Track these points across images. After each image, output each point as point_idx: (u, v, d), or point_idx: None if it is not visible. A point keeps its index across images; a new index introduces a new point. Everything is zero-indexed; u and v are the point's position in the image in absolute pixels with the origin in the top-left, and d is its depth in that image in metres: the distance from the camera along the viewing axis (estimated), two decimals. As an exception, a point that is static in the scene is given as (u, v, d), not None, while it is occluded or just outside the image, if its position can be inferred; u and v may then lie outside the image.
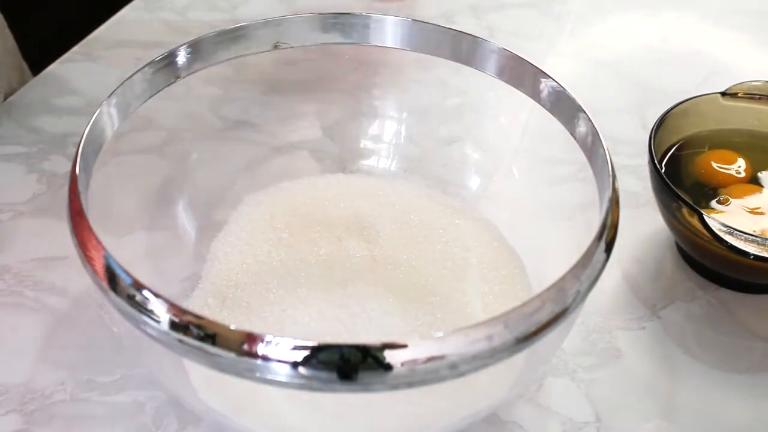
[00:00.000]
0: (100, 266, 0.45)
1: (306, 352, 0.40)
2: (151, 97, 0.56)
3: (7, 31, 0.80)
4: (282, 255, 0.60)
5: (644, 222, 0.71)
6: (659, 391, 0.59)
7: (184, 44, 0.58)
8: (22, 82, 0.83)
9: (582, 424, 0.57)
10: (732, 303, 0.65)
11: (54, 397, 0.56)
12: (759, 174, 0.68)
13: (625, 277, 0.67)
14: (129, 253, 0.53)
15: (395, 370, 0.40)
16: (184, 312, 0.42)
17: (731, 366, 0.61)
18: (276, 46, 0.61)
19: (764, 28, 0.96)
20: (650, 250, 0.69)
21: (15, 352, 0.59)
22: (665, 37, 0.95)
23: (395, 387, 0.41)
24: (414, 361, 0.41)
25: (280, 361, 0.41)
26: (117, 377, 0.58)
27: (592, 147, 0.53)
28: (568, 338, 0.53)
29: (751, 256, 0.60)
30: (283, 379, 0.41)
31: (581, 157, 0.55)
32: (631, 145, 0.78)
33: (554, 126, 0.58)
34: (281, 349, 0.41)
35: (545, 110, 0.58)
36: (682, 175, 0.68)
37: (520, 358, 0.44)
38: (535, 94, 0.58)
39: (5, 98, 0.78)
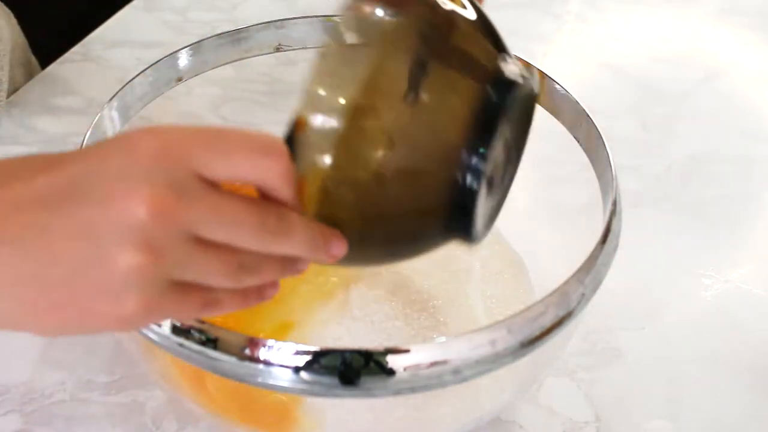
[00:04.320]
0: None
1: (308, 357, 0.41)
2: (153, 99, 0.56)
3: (17, 27, 0.80)
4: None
5: (644, 222, 0.71)
6: (659, 391, 0.59)
7: (186, 47, 0.57)
8: (29, 78, 0.83)
9: (582, 424, 0.57)
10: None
11: (54, 397, 0.56)
12: None
13: (624, 277, 0.67)
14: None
15: (398, 375, 0.40)
16: (186, 316, 0.42)
17: (731, 366, 0.61)
18: (278, 49, 0.60)
19: (764, 28, 0.96)
20: (650, 250, 0.69)
21: (15, 352, 0.59)
22: (665, 37, 0.95)
23: (398, 392, 0.41)
24: (417, 366, 0.41)
25: (281, 365, 0.41)
26: (117, 377, 0.58)
27: (595, 151, 0.53)
28: (568, 339, 0.53)
29: None
30: (284, 384, 0.41)
31: (582, 157, 0.55)
32: (631, 145, 0.78)
33: (554, 126, 0.58)
34: (283, 353, 0.41)
35: (547, 112, 0.58)
36: None
37: (524, 363, 0.44)
38: (538, 98, 0.58)
39: (7, 96, 0.78)
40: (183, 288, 0.37)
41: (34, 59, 0.85)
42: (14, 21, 0.80)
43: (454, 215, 0.39)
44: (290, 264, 0.39)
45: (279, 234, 0.38)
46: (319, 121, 0.38)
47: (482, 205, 0.40)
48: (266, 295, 0.40)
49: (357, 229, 0.39)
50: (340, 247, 0.39)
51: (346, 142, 0.38)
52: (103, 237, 0.35)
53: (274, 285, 0.40)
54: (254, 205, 0.37)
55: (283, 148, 0.37)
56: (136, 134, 0.37)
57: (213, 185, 0.36)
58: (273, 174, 0.37)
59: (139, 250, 0.35)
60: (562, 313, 0.44)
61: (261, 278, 0.39)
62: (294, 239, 0.38)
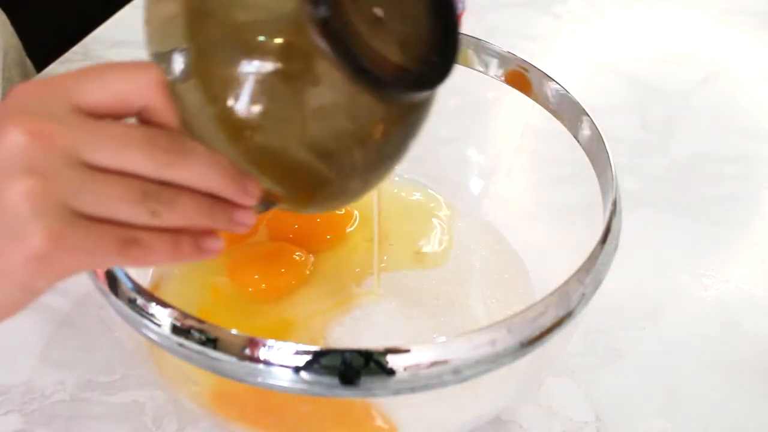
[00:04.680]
0: (100, 270, 0.44)
1: (308, 357, 0.40)
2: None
3: (10, 28, 0.80)
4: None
5: (644, 222, 0.71)
6: (659, 391, 0.59)
7: (185, 46, 0.57)
8: (25, 78, 0.83)
9: (582, 424, 0.57)
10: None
11: (54, 397, 0.56)
12: None
13: (624, 277, 0.67)
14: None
15: (398, 375, 0.40)
16: (186, 316, 0.42)
17: (731, 366, 0.61)
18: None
19: (764, 28, 0.96)
20: (650, 250, 0.69)
21: (15, 352, 0.59)
22: (665, 37, 0.95)
23: (398, 392, 0.41)
24: (417, 366, 0.40)
25: (282, 365, 0.40)
26: (117, 377, 0.58)
27: (595, 151, 0.53)
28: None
29: None
30: (285, 383, 0.41)
31: (582, 157, 0.55)
32: (631, 145, 0.78)
33: (554, 126, 0.58)
34: (283, 353, 0.41)
35: (547, 112, 0.58)
36: None
37: (524, 363, 0.44)
38: (538, 98, 0.58)
39: (4, 96, 0.78)
40: (92, 220, 0.35)
41: (28, 61, 0.85)
42: (6, 20, 0.79)
43: (350, 70, 0.36)
44: (219, 207, 0.37)
45: (173, 153, 0.36)
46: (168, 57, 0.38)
47: (376, 41, 0.37)
48: (205, 246, 0.38)
49: (289, 139, 0.38)
50: (254, 184, 0.38)
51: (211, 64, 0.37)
52: None
53: (212, 236, 0.38)
54: (140, 127, 0.36)
55: (157, 66, 0.37)
56: (17, 86, 0.36)
57: (93, 116, 0.36)
58: (150, 87, 0.36)
59: (25, 175, 0.34)
60: (562, 313, 0.44)
61: (181, 214, 0.36)
62: (194, 163, 0.36)
